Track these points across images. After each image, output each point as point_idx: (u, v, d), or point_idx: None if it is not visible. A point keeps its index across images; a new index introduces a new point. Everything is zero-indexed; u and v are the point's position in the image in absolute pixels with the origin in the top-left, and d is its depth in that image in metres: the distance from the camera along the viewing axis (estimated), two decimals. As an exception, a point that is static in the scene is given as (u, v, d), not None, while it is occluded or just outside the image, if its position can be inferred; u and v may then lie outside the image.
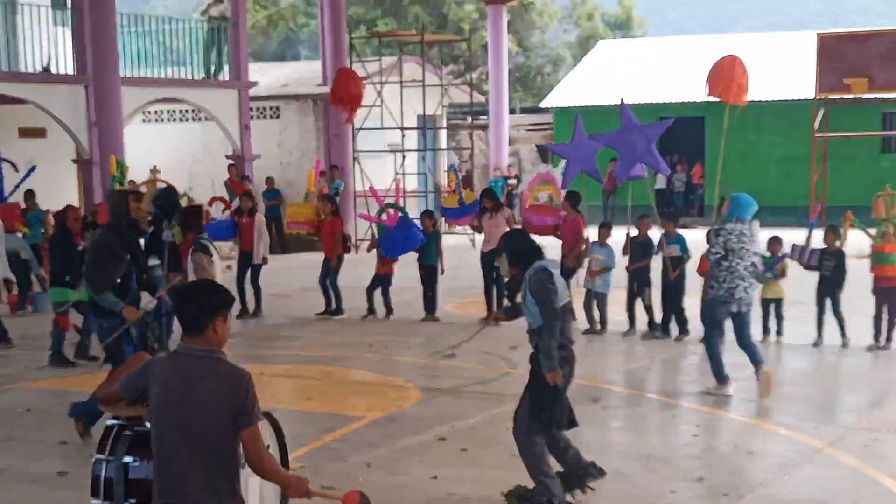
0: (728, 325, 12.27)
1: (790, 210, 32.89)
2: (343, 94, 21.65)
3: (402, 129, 30.66)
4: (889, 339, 14.50)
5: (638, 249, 15.74)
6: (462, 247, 26.23)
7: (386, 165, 31.00)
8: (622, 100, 16.25)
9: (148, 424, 5.64)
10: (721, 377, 12.28)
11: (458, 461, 9.62)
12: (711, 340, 12.33)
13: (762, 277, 15.02)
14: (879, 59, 29.74)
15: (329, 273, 17.73)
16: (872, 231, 14.50)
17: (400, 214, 17.52)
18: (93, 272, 10.64)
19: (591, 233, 16.44)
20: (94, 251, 10.78)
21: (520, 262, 8.61)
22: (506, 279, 11.81)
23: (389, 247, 17.15)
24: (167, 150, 31.85)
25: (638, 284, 15.71)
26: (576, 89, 39.33)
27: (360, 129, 29.66)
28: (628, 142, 15.53)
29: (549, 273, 8.39)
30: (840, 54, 30.23)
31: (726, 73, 15.21)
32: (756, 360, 12.17)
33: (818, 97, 30.95)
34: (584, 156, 15.95)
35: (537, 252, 8.61)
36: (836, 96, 31.20)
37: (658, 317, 15.64)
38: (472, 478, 9.13)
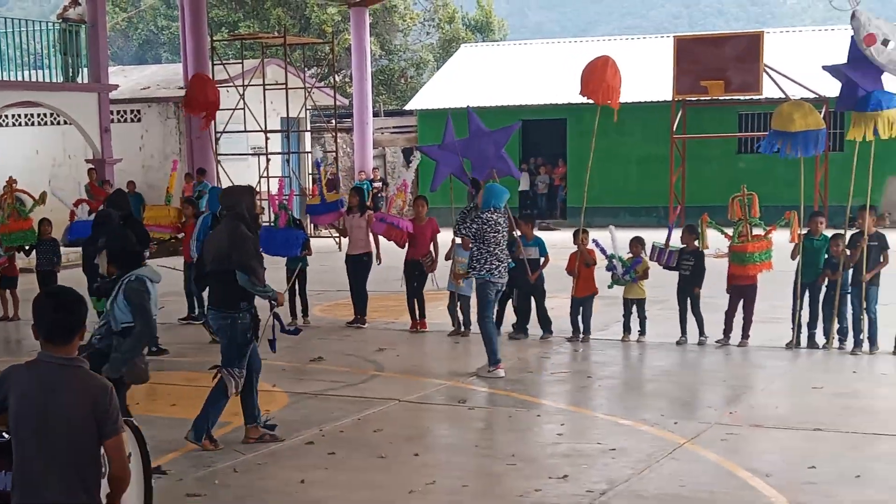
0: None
1: (650, 210, 33.59)
2: (199, 100, 21.31)
3: (266, 132, 30.49)
4: (745, 335, 14.87)
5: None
6: (328, 248, 26.20)
7: (250, 168, 30.80)
8: (468, 107, 16.33)
9: (6, 434, 5.55)
10: (495, 360, 13.16)
11: (326, 465, 9.61)
12: (488, 324, 13.28)
13: (622, 279, 15.34)
14: (735, 61, 30.42)
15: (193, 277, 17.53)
16: (729, 231, 14.82)
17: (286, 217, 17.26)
18: None
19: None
20: None
21: (120, 263, 8.99)
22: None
23: (266, 245, 16.95)
24: (27, 154, 31.23)
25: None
26: (439, 92, 39.56)
27: (223, 132, 29.41)
28: (478, 148, 15.63)
29: (145, 283, 8.95)
30: (697, 57, 30.87)
31: (599, 74, 15.38)
32: (493, 361, 13.22)
33: (676, 99, 31.59)
34: (453, 158, 16.02)
35: (138, 258, 9.22)
36: (694, 98, 31.87)
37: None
38: (341, 481, 9.13)
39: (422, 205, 16.72)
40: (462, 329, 16.15)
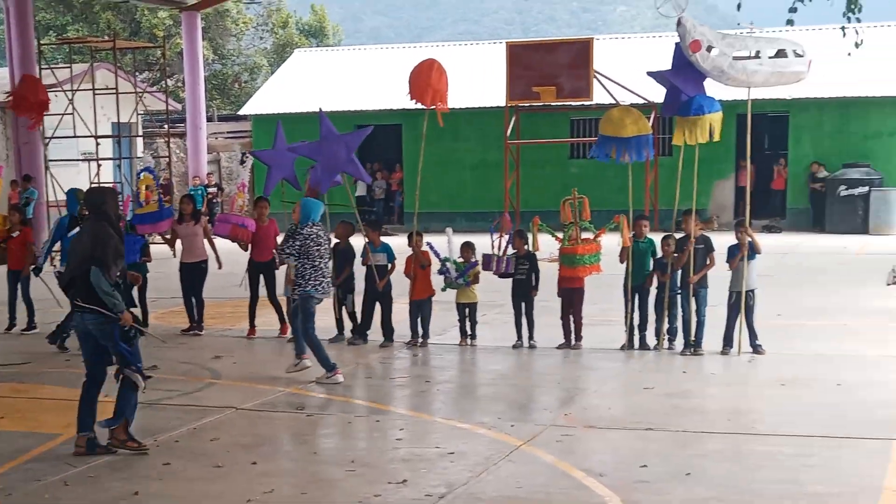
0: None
1: (486, 216, 33.80)
2: (29, 100, 20.76)
3: (96, 137, 29.88)
4: (577, 338, 15.12)
5: (340, 257, 15.87)
6: (161, 255, 25.73)
7: (80, 174, 30.12)
8: (321, 109, 16.31)
9: None
10: (329, 367, 13.31)
11: (161, 476, 9.45)
12: (312, 335, 13.45)
13: (455, 283, 15.46)
14: (566, 67, 30.85)
15: (18, 287, 17.11)
16: (560, 234, 15.05)
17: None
18: None
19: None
20: None
21: None
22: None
23: None
24: None
25: (342, 292, 15.85)
26: (274, 97, 39.34)
27: (52, 137, 28.73)
28: (329, 151, 15.60)
29: None
30: (529, 63, 31.22)
31: (425, 78, 15.45)
32: (300, 350, 13.57)
33: (509, 105, 31.93)
34: (285, 163, 15.93)
35: None
36: (527, 104, 32.25)
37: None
38: (177, 492, 9.00)
39: (263, 206, 16.60)
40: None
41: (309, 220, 13.49)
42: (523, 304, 15.30)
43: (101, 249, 9.92)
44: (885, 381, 12.59)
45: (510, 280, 15.43)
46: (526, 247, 15.27)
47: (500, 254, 15.37)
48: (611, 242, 15.23)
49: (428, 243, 15.54)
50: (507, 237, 15.53)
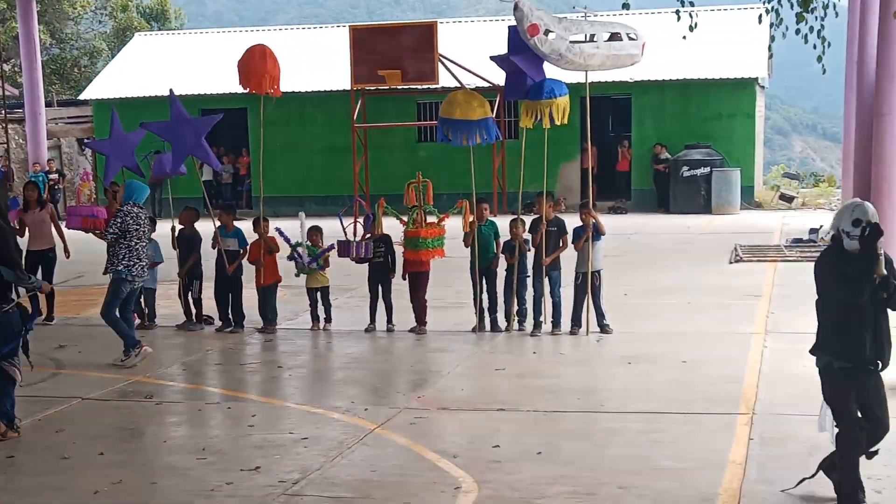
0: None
1: (336, 200, 33.71)
2: None
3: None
4: (421, 322, 15.12)
5: (185, 244, 15.66)
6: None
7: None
8: (171, 90, 16.03)
9: None
10: (133, 342, 13.40)
11: (4, 470, 9.22)
12: (111, 315, 13.38)
13: (307, 268, 15.37)
14: (411, 51, 30.87)
15: None
16: (404, 217, 15.07)
17: None
18: None
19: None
20: None
21: None
22: None
23: None
24: None
25: (189, 278, 15.64)
26: (114, 81, 38.58)
27: None
28: (179, 134, 15.37)
29: None
30: (373, 47, 31.15)
31: (256, 64, 15.24)
32: (132, 343, 13.45)
33: (355, 88, 31.84)
34: (124, 150, 15.63)
35: None
36: (373, 87, 32.22)
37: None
38: (22, 486, 8.78)
39: (116, 190, 16.26)
40: (147, 322, 15.83)
41: (131, 201, 13.40)
42: (380, 287, 15.27)
43: (4, 248, 9.91)
44: (728, 357, 12.89)
45: (361, 263, 15.39)
46: (380, 230, 15.25)
47: (359, 238, 15.30)
48: (456, 226, 15.32)
49: (277, 228, 15.40)
50: (361, 222, 15.49)
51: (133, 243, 13.28)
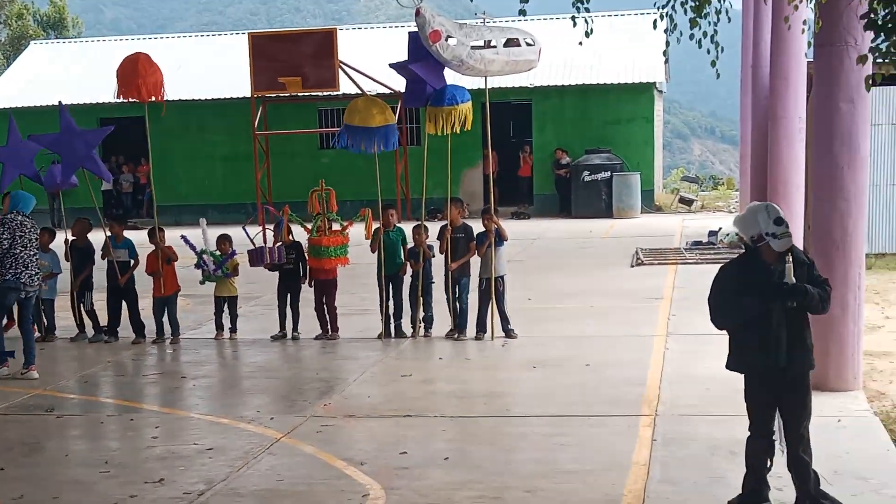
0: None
1: (239, 208, 33.49)
2: None
3: None
4: (334, 328, 15.12)
5: (78, 255, 15.48)
6: None
7: None
8: (60, 102, 15.83)
9: None
10: (2, 358, 13.40)
11: None
12: None
13: (213, 276, 15.24)
14: (311, 58, 30.69)
15: None
16: (309, 225, 15.02)
17: None
18: None
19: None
20: None
21: None
22: None
23: None
24: None
25: (81, 289, 15.45)
26: (10, 90, 37.94)
27: None
28: (69, 146, 15.15)
29: None
30: (273, 54, 30.91)
31: (133, 72, 15.05)
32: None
33: (256, 95, 31.66)
34: (22, 158, 15.40)
35: None
36: (273, 94, 32.03)
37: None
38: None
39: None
40: (46, 334, 15.60)
41: (16, 209, 13.35)
42: (289, 295, 15.19)
43: None
44: (630, 359, 13.03)
45: (269, 272, 15.31)
46: (291, 236, 15.18)
47: (270, 245, 15.19)
48: (360, 233, 15.30)
49: (182, 236, 15.26)
50: (272, 228, 15.40)
51: (18, 251, 13.14)
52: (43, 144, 15.63)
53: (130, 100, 15.25)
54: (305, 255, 15.15)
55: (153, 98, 15.20)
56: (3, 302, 13.32)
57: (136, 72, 15.02)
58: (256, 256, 15.12)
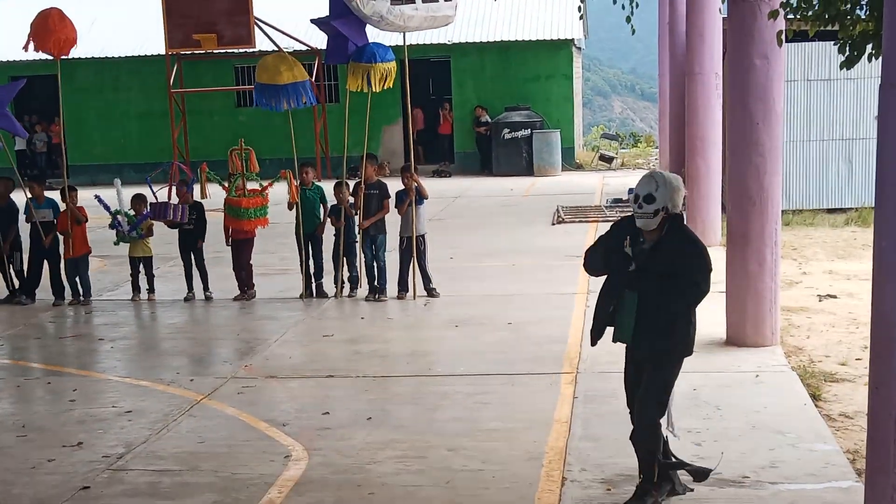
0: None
1: (155, 166, 32.86)
2: None
3: None
4: (250, 286, 14.99)
5: (2, 215, 15.18)
6: None
7: None
8: None
9: None
10: None
11: None
12: None
13: (127, 236, 15.03)
14: (226, 15, 30.38)
15: None
16: (227, 184, 14.86)
17: None
18: None
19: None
20: None
21: None
22: None
23: None
24: None
25: (10, 250, 15.19)
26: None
27: None
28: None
29: None
30: (188, 10, 30.55)
31: (44, 28, 14.74)
32: None
33: (170, 52, 31.26)
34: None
35: None
36: (188, 52, 31.65)
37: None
38: None
39: None
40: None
41: None
42: (193, 255, 15.04)
43: None
44: (552, 317, 13.08)
45: (173, 228, 15.13)
46: (192, 197, 14.99)
47: (175, 203, 14.99)
48: (280, 192, 15.16)
49: (96, 196, 15.03)
50: (176, 187, 15.20)
51: None
52: None
53: (42, 55, 14.91)
54: (205, 216, 14.98)
55: (64, 55, 14.89)
56: None
57: (47, 27, 14.71)
58: (159, 211, 14.93)
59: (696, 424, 8.59)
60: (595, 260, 7.19)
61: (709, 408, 9.16)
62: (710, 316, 12.14)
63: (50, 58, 15.12)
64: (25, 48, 14.95)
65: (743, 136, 11.16)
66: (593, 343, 7.25)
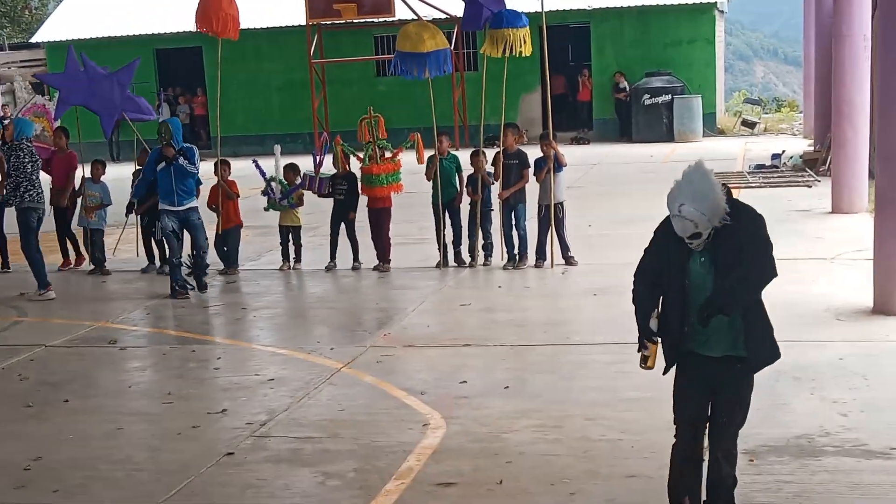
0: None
1: (296, 137, 33.45)
2: None
3: None
4: (385, 259, 14.99)
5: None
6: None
7: None
8: (71, 48, 15.50)
9: None
10: (44, 283, 14.06)
11: (-29, 421, 9.14)
12: (32, 250, 14.04)
13: (279, 205, 15.23)
14: (366, -17, 30.63)
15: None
16: (361, 154, 14.93)
17: None
18: None
19: (86, 169, 15.94)
20: None
21: None
22: None
23: None
24: None
25: (151, 220, 15.48)
26: (67, 23, 37.99)
27: None
28: (102, 94, 14.87)
29: None
30: (326, -20, 30.85)
31: (214, 6, 14.83)
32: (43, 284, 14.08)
33: (311, 23, 31.53)
34: (80, 88, 15.23)
35: None
36: (328, 21, 31.89)
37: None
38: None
39: (59, 136, 16.05)
40: (97, 266, 15.68)
41: (22, 136, 14.11)
42: (343, 225, 15.14)
43: None
44: (692, 284, 12.87)
45: (323, 198, 15.26)
46: (348, 166, 15.11)
47: (314, 174, 15.12)
48: (414, 160, 15.16)
49: (253, 161, 15.27)
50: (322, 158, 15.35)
51: (34, 175, 14.03)
52: (76, 102, 15.26)
53: (183, 27, 15.04)
54: (359, 185, 15.08)
55: (228, 34, 14.90)
56: (27, 223, 13.97)
57: (216, 4, 14.73)
58: (309, 182, 15.17)
59: (842, 395, 8.38)
60: (643, 298, 6.68)
61: (856, 377, 8.94)
62: (856, 283, 11.88)
63: (193, 29, 15.26)
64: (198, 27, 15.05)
65: (893, 99, 10.82)
66: (666, 372, 6.55)
